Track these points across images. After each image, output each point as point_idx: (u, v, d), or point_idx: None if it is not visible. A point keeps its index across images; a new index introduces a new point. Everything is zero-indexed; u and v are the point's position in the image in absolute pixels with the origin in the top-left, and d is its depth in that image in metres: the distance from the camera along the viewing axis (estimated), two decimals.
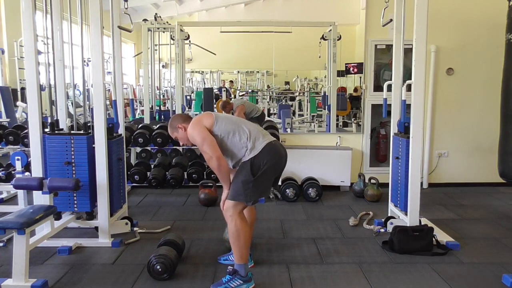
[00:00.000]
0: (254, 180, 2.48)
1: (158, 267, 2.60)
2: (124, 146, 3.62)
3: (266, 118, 6.53)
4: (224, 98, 5.91)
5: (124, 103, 3.78)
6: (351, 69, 7.05)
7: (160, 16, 6.39)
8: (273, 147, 2.57)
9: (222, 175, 2.50)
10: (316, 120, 6.47)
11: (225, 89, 6.68)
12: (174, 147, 4.93)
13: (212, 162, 2.45)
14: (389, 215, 3.61)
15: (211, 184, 4.35)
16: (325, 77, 6.56)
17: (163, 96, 7.86)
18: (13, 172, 4.00)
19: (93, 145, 3.17)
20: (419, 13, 3.08)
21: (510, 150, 3.70)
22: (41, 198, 2.99)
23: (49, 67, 3.36)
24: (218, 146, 2.49)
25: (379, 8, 3.61)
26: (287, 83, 9.15)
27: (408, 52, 3.41)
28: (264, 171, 2.51)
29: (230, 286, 2.50)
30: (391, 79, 3.64)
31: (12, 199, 4.37)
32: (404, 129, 3.38)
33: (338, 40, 5.44)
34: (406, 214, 3.30)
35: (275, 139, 2.64)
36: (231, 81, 9.28)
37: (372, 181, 4.48)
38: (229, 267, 2.56)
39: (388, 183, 3.71)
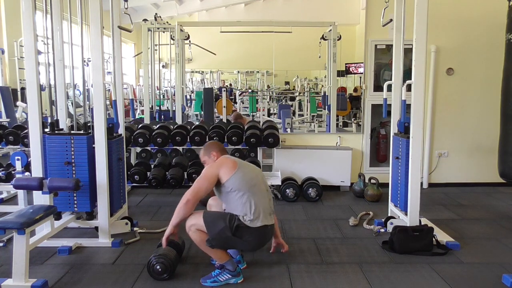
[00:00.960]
0: (230, 237, 2.54)
1: (158, 267, 2.60)
2: (124, 146, 3.62)
3: (266, 118, 6.54)
4: (224, 98, 5.89)
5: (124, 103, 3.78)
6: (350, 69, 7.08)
7: (160, 16, 6.39)
8: (267, 233, 2.67)
9: (179, 216, 2.57)
10: (316, 120, 6.47)
11: (225, 89, 6.68)
12: (174, 147, 4.92)
13: (185, 204, 2.53)
14: (389, 215, 3.61)
15: None
16: (325, 77, 6.56)
17: (163, 96, 7.86)
18: (13, 172, 4.00)
19: (93, 145, 3.17)
20: (419, 13, 3.08)
21: (510, 150, 3.71)
22: (41, 198, 2.99)
23: (49, 67, 3.36)
24: (199, 199, 2.58)
25: (379, 8, 3.61)
26: (287, 83, 9.16)
27: (408, 52, 3.41)
28: (244, 242, 2.59)
29: (219, 280, 2.57)
30: (391, 79, 3.64)
31: (12, 199, 4.37)
32: (404, 129, 3.38)
33: (338, 40, 5.44)
34: (406, 214, 3.30)
35: (272, 222, 2.71)
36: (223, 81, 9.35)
37: (372, 181, 4.48)
38: (218, 262, 2.63)
39: (388, 183, 3.71)
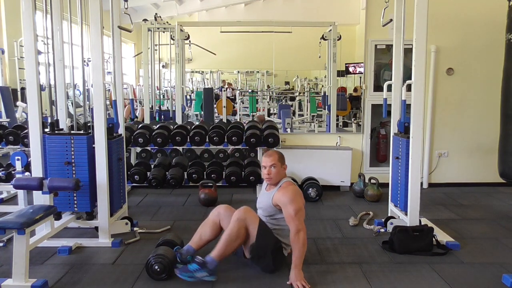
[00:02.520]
0: (268, 254, 2.63)
1: (157, 267, 2.59)
2: (124, 146, 3.62)
3: (266, 118, 6.55)
4: (224, 98, 5.90)
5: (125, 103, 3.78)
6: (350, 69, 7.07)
7: (160, 16, 6.39)
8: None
9: (304, 251, 2.57)
10: (316, 120, 6.47)
11: (225, 89, 6.68)
12: (174, 147, 4.92)
13: (301, 235, 2.54)
14: (389, 215, 3.61)
15: (211, 184, 4.35)
16: (325, 77, 6.56)
17: (163, 96, 7.86)
18: (13, 172, 4.00)
19: (93, 145, 3.17)
20: (419, 13, 3.08)
21: (510, 150, 3.71)
22: (41, 198, 2.98)
23: (49, 67, 3.36)
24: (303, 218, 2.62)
25: (379, 8, 3.61)
26: (287, 83, 9.16)
27: (408, 52, 3.40)
28: (275, 263, 2.68)
29: (195, 276, 2.56)
30: (391, 79, 3.64)
31: (12, 199, 4.37)
32: (404, 129, 3.38)
33: (338, 40, 5.44)
34: (406, 214, 3.30)
35: None
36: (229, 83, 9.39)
37: (372, 181, 4.48)
38: (199, 257, 2.60)
39: (388, 183, 3.71)
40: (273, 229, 2.72)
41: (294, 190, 2.67)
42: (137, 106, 7.93)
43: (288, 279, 2.58)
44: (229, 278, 2.65)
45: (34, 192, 3.10)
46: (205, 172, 4.76)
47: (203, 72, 9.24)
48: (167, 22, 6.76)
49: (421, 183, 3.40)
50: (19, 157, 3.73)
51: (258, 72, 9.11)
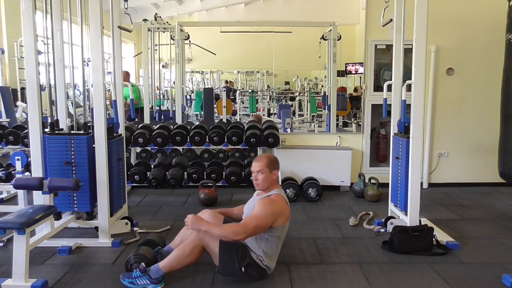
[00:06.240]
0: (237, 270, 2.53)
1: (135, 266, 2.59)
2: (124, 146, 3.63)
3: (266, 118, 6.55)
4: (224, 98, 5.90)
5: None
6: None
7: (160, 16, 6.40)
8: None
9: (222, 235, 2.47)
10: (316, 120, 6.48)
11: (224, 89, 6.67)
12: (174, 147, 4.92)
13: (239, 235, 2.45)
14: (389, 215, 3.61)
15: (211, 184, 4.35)
16: (325, 77, 6.56)
17: (163, 96, 7.86)
18: (13, 172, 4.00)
19: (93, 145, 3.17)
20: (419, 13, 3.08)
21: (510, 150, 3.71)
22: (41, 198, 2.98)
23: (49, 67, 3.36)
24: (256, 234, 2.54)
25: (379, 8, 3.61)
26: (287, 83, 9.17)
27: (408, 52, 3.40)
28: (248, 275, 2.57)
29: (137, 282, 2.51)
30: (391, 79, 3.64)
31: (12, 199, 4.37)
32: (404, 129, 3.38)
33: (338, 40, 5.44)
34: (406, 214, 3.30)
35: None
36: (231, 81, 9.39)
37: (372, 181, 4.48)
38: (143, 264, 2.54)
39: (388, 183, 3.71)
40: (252, 244, 2.61)
41: (277, 203, 2.56)
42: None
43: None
44: (229, 278, 2.65)
45: (34, 192, 3.10)
46: (205, 172, 4.76)
47: (203, 72, 9.25)
48: (167, 22, 6.76)
49: (421, 183, 3.40)
50: (19, 157, 3.73)
51: (258, 72, 9.12)
